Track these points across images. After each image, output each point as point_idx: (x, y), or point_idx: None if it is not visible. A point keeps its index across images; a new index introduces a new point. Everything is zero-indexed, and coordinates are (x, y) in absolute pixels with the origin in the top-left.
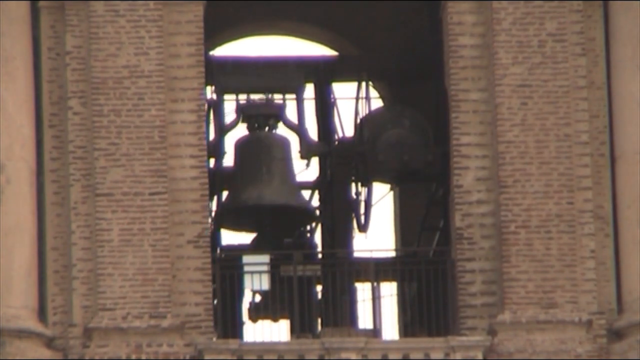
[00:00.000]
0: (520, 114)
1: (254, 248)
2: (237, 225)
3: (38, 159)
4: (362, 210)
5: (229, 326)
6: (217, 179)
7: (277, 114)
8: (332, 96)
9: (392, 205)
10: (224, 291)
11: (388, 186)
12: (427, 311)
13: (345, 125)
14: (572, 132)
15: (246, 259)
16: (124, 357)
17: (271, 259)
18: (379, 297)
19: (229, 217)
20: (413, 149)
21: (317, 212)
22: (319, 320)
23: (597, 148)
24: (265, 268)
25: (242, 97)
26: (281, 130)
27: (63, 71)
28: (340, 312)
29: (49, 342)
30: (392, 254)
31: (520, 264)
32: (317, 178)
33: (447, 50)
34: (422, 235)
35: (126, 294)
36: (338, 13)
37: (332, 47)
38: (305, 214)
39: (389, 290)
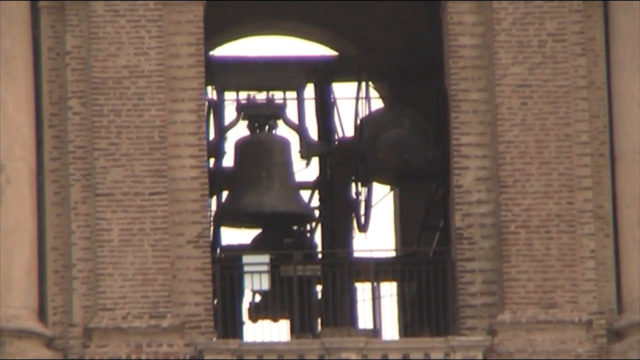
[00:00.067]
0: (520, 114)
1: (253, 248)
2: (237, 226)
3: (38, 159)
4: (362, 210)
5: (229, 326)
6: (217, 179)
7: (277, 114)
8: (332, 96)
9: (392, 205)
10: (224, 291)
11: (388, 186)
12: (427, 311)
13: (345, 125)
14: (572, 132)
15: (246, 259)
16: (124, 357)
17: (271, 259)
18: (379, 297)
19: (228, 220)
20: (413, 149)
21: (317, 212)
22: (319, 320)
23: (597, 148)
24: (265, 268)
25: (243, 96)
26: (281, 130)
27: (63, 71)
28: (340, 312)
29: (49, 342)
30: (392, 254)
31: (520, 264)
32: (317, 178)
33: (447, 50)
34: (422, 235)
35: (126, 294)
36: (338, 13)
37: (332, 47)
38: (305, 218)
39: (389, 290)
